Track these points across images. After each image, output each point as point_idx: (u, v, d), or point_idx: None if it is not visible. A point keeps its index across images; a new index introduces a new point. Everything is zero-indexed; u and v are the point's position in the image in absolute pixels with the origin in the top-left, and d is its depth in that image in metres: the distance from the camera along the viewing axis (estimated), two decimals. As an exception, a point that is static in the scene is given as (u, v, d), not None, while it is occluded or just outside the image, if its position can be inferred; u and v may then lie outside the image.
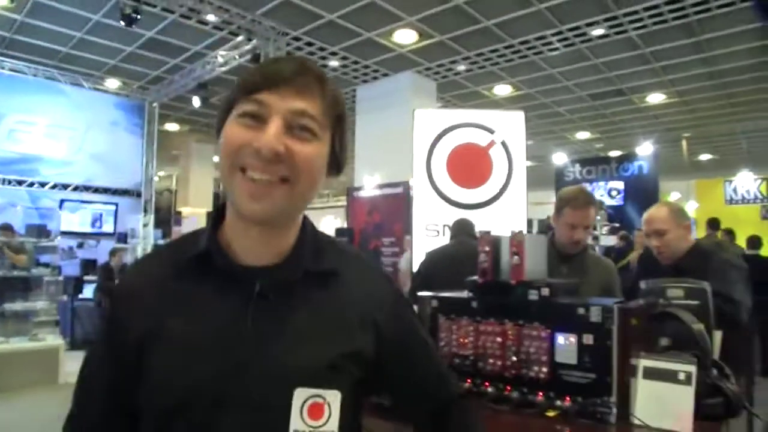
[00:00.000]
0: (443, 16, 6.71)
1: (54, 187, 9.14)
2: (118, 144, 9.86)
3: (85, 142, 9.43)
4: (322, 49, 7.86)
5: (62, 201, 9.17)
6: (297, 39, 7.53)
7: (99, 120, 9.59)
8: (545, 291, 1.39)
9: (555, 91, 9.66)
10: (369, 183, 8.63)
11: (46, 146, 9.04)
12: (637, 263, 4.65)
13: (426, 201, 5.14)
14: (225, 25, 7.04)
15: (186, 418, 0.74)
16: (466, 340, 1.50)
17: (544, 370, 1.34)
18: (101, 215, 9.65)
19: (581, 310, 1.30)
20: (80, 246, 9.31)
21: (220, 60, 7.91)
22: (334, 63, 8.36)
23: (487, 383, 1.45)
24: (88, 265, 8.97)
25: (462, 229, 4.01)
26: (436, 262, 3.76)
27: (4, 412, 4.77)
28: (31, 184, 8.89)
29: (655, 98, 9.99)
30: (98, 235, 9.59)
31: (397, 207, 8.12)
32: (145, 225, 10.00)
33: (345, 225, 9.57)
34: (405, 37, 7.42)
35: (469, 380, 1.48)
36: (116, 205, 9.83)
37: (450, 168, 5.11)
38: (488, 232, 1.54)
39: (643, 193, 10.24)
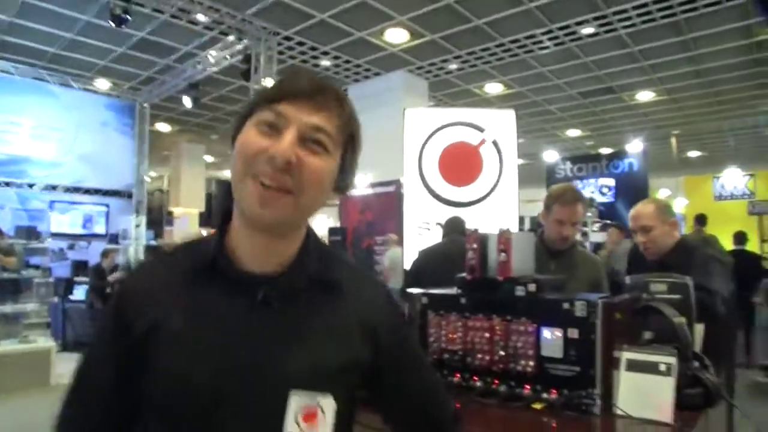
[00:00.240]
0: (434, 15, 6.74)
1: (44, 188, 9.10)
2: (108, 145, 9.83)
3: (74, 143, 9.40)
4: (313, 48, 7.86)
5: (52, 202, 9.13)
6: (288, 39, 7.53)
7: (89, 121, 9.56)
8: (532, 287, 1.42)
9: (546, 89, 9.72)
10: (361, 182, 8.65)
11: (35, 147, 9.00)
12: (627, 258, 4.70)
13: (417, 199, 5.17)
14: (216, 25, 7.04)
15: (185, 415, 0.76)
16: (454, 336, 1.53)
17: (531, 363, 1.37)
18: (92, 216, 9.63)
19: (566, 305, 1.34)
20: (71, 247, 9.28)
21: (211, 60, 7.90)
22: (325, 62, 8.37)
23: (475, 377, 1.48)
24: (79, 267, 8.93)
25: (454, 227, 4.04)
26: (429, 260, 3.79)
27: (-4, 414, 4.75)
28: (20, 186, 8.84)
29: (645, 96, 10.08)
30: (89, 237, 9.56)
31: (389, 206, 8.14)
32: (137, 226, 9.97)
33: (338, 224, 9.57)
34: (396, 36, 7.45)
35: (457, 375, 1.51)
36: (107, 206, 9.81)
37: (441, 166, 5.14)
38: (476, 230, 1.57)
39: (633, 190, 10.32)
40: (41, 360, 5.73)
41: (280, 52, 7.71)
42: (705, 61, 8.28)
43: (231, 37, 7.39)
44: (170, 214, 13.06)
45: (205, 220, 12.67)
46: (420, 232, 5.09)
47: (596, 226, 9.41)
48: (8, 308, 6.16)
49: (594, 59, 8.22)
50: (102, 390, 0.82)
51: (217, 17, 6.66)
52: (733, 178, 12.92)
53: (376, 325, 0.87)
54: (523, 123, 10.40)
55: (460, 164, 5.14)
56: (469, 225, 4.08)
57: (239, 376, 0.77)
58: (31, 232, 7.84)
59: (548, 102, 10.51)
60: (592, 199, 9.77)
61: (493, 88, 9.65)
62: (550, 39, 7.47)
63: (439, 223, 4.89)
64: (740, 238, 7.08)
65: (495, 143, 5.12)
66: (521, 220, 8.11)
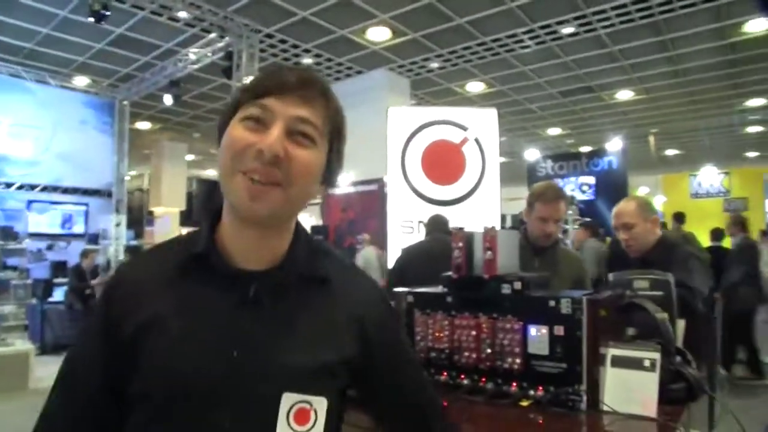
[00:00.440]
0: (417, 13, 6.75)
1: (20, 187, 8.92)
2: (87, 143, 9.66)
3: (52, 141, 9.21)
4: (295, 46, 7.83)
5: (30, 202, 8.96)
6: (270, 36, 7.48)
7: (67, 119, 9.38)
8: (518, 285, 1.43)
9: (527, 88, 9.80)
10: (343, 180, 8.62)
11: (11, 146, 8.81)
12: (606, 256, 4.78)
13: (400, 198, 5.18)
14: (197, 22, 6.96)
15: (180, 409, 0.76)
16: (441, 334, 1.54)
17: (518, 361, 1.39)
18: (71, 216, 9.45)
19: (552, 303, 1.35)
20: (50, 248, 9.10)
21: (192, 57, 7.82)
22: (307, 60, 8.34)
23: (462, 375, 1.49)
24: (58, 268, 8.77)
25: (437, 225, 4.06)
26: (412, 259, 3.80)
27: (-28, 418, 4.65)
28: (-4, 186, 8.67)
29: (624, 95, 10.22)
30: (68, 237, 9.38)
31: (371, 204, 8.15)
32: (118, 224, 9.83)
33: (320, 222, 9.55)
34: (378, 34, 7.45)
35: (444, 373, 1.52)
36: (87, 205, 9.63)
37: (424, 165, 5.16)
38: (461, 229, 1.58)
39: (613, 187, 10.46)
40: (19, 363, 5.63)
41: (262, 50, 7.65)
42: (682, 62, 8.42)
43: (212, 35, 7.32)
44: (151, 213, 12.91)
45: (186, 219, 12.54)
46: (403, 231, 5.10)
47: (577, 224, 9.52)
48: (-16, 310, 6.04)
49: (574, 58, 8.32)
50: (89, 389, 0.81)
51: (198, 14, 6.59)
52: (709, 176, 13.19)
53: (366, 321, 0.87)
54: (504, 121, 10.48)
55: (443, 162, 5.16)
56: (452, 223, 4.12)
57: (234, 376, 0.76)
58: (8, 233, 7.69)
59: (529, 101, 10.60)
60: (572, 197, 9.89)
61: (475, 86, 9.70)
62: (531, 38, 7.53)
63: (421, 221, 4.92)
64: (717, 234, 7.22)
65: (477, 142, 5.15)
66: (503, 218, 8.18)
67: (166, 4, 6.29)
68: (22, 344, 5.92)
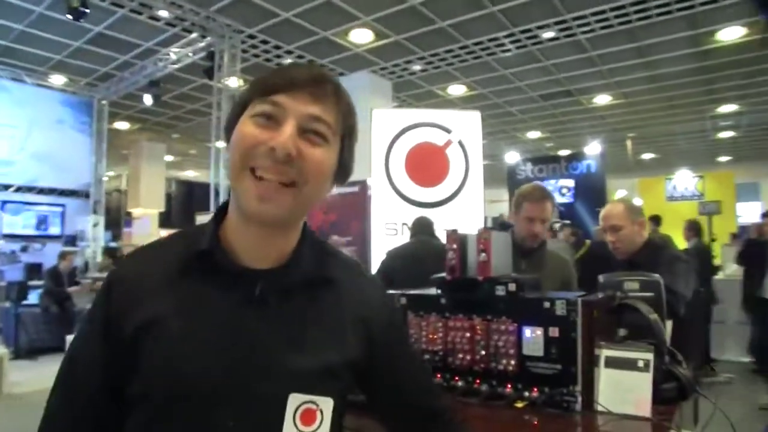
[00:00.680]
0: (399, 16, 6.77)
1: (-6, 187, 8.73)
2: (64, 143, 9.48)
3: (27, 140, 9.02)
4: (277, 47, 7.78)
5: (4, 202, 8.75)
6: (252, 37, 7.43)
7: (43, 118, 9.19)
8: (512, 286, 1.44)
9: (507, 92, 9.90)
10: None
11: (-16, 145, 8.62)
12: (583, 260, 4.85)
13: (385, 200, 5.18)
14: (178, 21, 6.88)
15: (182, 409, 0.75)
16: (435, 336, 1.54)
17: (512, 362, 1.40)
18: (47, 217, 9.26)
19: (547, 304, 1.36)
20: (24, 249, 8.89)
21: (173, 57, 7.73)
22: (289, 61, 8.30)
23: (456, 377, 1.49)
24: (34, 270, 8.58)
25: (422, 227, 4.07)
26: (397, 261, 3.81)
27: (-56, 425, 4.52)
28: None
29: (602, 99, 10.38)
30: (44, 238, 9.19)
31: (353, 206, 8.13)
32: (95, 224, 9.65)
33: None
34: (361, 36, 7.44)
35: (438, 375, 1.52)
36: (63, 206, 9.45)
37: (408, 167, 5.17)
38: (455, 230, 1.59)
39: (592, 190, 10.59)
40: (-8, 368, 5.50)
41: (244, 51, 7.60)
42: (658, 67, 8.59)
43: (194, 34, 7.25)
44: (129, 214, 12.70)
45: (165, 220, 12.38)
46: (387, 233, 5.10)
47: (556, 226, 9.63)
48: (-44, 314, 5.87)
49: (554, 63, 8.42)
50: (89, 389, 0.79)
51: (179, 13, 6.52)
52: (684, 180, 13.44)
53: (372, 322, 0.87)
54: (485, 124, 10.48)
55: (427, 165, 5.18)
56: (437, 225, 4.14)
57: (237, 375, 0.76)
58: (-21, 234, 7.49)
59: (510, 104, 10.70)
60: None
61: (456, 89, 9.76)
62: (512, 42, 7.60)
63: (405, 224, 4.93)
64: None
65: (461, 144, 5.19)
66: (484, 220, 8.23)
67: (146, 2, 6.21)
68: (-5, 348, 5.78)
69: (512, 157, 12.79)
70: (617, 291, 1.55)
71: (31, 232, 9.13)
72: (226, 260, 0.80)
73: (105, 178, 10.43)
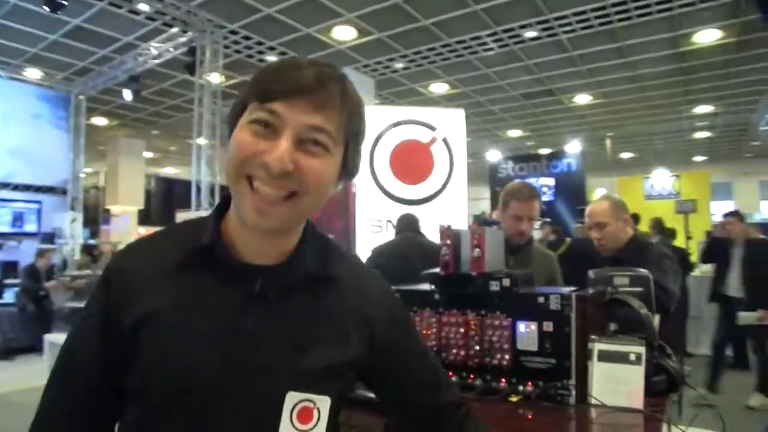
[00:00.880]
0: (382, 13, 6.77)
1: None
2: (40, 138, 9.28)
3: (2, 135, 8.82)
4: (259, 43, 7.73)
5: (-23, 200, 8.56)
6: (234, 32, 7.36)
7: (18, 112, 8.99)
8: (506, 282, 1.45)
9: (489, 90, 9.96)
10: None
11: (-44, 140, 8.41)
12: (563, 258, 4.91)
13: (369, 197, 5.18)
14: (158, 15, 6.78)
15: (181, 404, 0.74)
16: (429, 332, 1.54)
17: (507, 357, 1.40)
18: (23, 214, 9.07)
19: (541, 299, 1.38)
20: (-1, 247, 8.72)
21: (154, 52, 7.62)
22: (271, 58, 8.24)
23: (450, 372, 1.49)
24: (9, 268, 8.40)
25: (407, 224, 4.08)
26: (383, 257, 3.81)
27: None
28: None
29: (582, 99, 10.51)
30: (20, 235, 8.99)
31: (336, 204, 8.11)
32: (73, 220, 9.47)
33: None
34: (344, 33, 7.43)
35: (432, 370, 1.52)
36: (40, 203, 9.25)
37: (393, 164, 5.17)
38: (449, 226, 1.59)
39: (572, 189, 10.74)
40: (-33, 368, 5.37)
41: (226, 46, 7.53)
42: (637, 68, 8.73)
43: (175, 29, 7.15)
44: (107, 212, 12.49)
45: (144, 218, 12.20)
46: (372, 230, 5.10)
47: (537, 224, 9.71)
48: (-72, 313, 5.71)
49: (536, 62, 8.50)
50: (87, 383, 0.78)
51: (160, 7, 6.43)
52: (661, 179, 13.68)
53: (374, 319, 0.87)
54: (467, 123, 10.60)
55: (412, 162, 5.19)
56: (422, 223, 4.15)
57: (237, 372, 0.75)
58: (-47, 231, 7.30)
59: (491, 102, 10.77)
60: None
61: (439, 87, 9.80)
62: (494, 41, 7.65)
63: (390, 221, 4.93)
64: (670, 234, 7.51)
65: (446, 142, 5.21)
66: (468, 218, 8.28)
67: (126, -5, 6.11)
68: (-31, 348, 5.65)
69: (494, 155, 12.89)
70: (608, 286, 1.57)
71: (7, 229, 8.93)
72: (227, 255, 0.79)
73: (82, 175, 10.23)
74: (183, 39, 7.17)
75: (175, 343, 0.75)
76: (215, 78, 7.42)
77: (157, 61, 7.78)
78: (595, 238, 2.53)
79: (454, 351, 1.49)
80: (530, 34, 7.39)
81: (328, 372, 0.80)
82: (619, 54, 8.12)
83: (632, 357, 1.31)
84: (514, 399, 1.37)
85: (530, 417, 1.30)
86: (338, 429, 0.87)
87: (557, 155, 11.67)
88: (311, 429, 0.75)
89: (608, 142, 13.36)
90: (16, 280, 7.95)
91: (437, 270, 1.59)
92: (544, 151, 13.21)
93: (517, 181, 2.74)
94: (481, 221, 9.48)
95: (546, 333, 1.36)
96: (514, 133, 13.33)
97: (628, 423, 1.24)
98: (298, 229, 0.84)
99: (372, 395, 0.99)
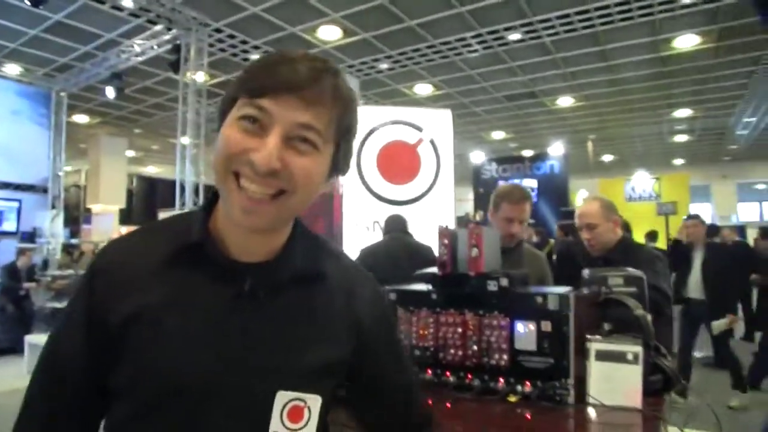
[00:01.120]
0: (368, 14, 6.77)
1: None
2: (20, 135, 9.08)
3: (-20, 132, 8.62)
4: (244, 42, 7.67)
5: (-46, 198, 8.35)
6: (219, 31, 7.30)
7: (-4, 108, 8.80)
8: (504, 281, 1.46)
9: (473, 92, 10.03)
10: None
11: (-68, 137, 8.19)
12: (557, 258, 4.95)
13: (356, 197, 5.16)
14: (142, 12, 6.68)
15: (172, 404, 0.73)
16: (426, 332, 1.54)
17: (505, 357, 1.41)
18: (2, 212, 8.86)
19: (539, 299, 1.39)
20: (-24, 246, 8.49)
21: (137, 49, 7.50)
22: (256, 57, 8.18)
23: (447, 372, 1.50)
24: (-13, 267, 8.19)
25: (395, 224, 4.08)
26: (370, 258, 3.80)
27: None
28: None
29: (565, 101, 10.63)
30: (-2, 234, 8.79)
31: (319, 204, 8.08)
32: (54, 218, 9.28)
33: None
34: (329, 33, 7.42)
35: (429, 371, 1.52)
36: (19, 201, 9.05)
37: (380, 165, 5.17)
38: (447, 226, 1.60)
39: (555, 190, 10.86)
40: (-57, 370, 5.24)
41: (210, 45, 7.46)
42: (619, 71, 8.87)
43: (159, 26, 7.06)
44: (88, 211, 12.27)
45: (126, 217, 12.03)
46: (359, 231, 5.09)
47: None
48: None
49: (519, 64, 8.58)
50: (70, 384, 0.76)
51: (144, 4, 6.34)
52: (642, 181, 13.90)
53: (362, 317, 0.86)
54: (452, 124, 10.68)
55: (399, 163, 5.19)
56: (409, 223, 4.15)
57: (229, 372, 0.74)
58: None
59: (475, 104, 10.84)
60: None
61: (423, 89, 9.83)
62: (479, 42, 7.71)
63: (377, 222, 4.93)
64: (652, 236, 7.65)
65: (432, 143, 5.22)
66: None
67: (109, -9, 6.01)
68: (-55, 350, 5.51)
69: (477, 156, 12.96)
70: (602, 286, 1.59)
71: (-16, 228, 8.74)
72: (216, 252, 0.78)
73: (62, 173, 10.04)
74: (167, 36, 7.08)
75: (166, 343, 0.74)
76: (200, 76, 7.34)
77: (140, 59, 7.67)
78: (586, 239, 2.55)
79: (452, 351, 1.49)
80: (514, 36, 7.46)
81: (319, 371, 0.79)
82: (601, 57, 8.23)
83: (630, 356, 1.32)
84: (512, 399, 1.38)
85: (529, 417, 1.30)
86: (328, 428, 0.86)
87: (540, 157, 11.79)
88: (302, 428, 0.75)
89: (590, 144, 13.54)
90: (-4, 281, 7.78)
91: (434, 269, 1.60)
92: (527, 152, 13.33)
93: (507, 183, 2.75)
94: (465, 222, 9.52)
95: (544, 333, 1.37)
96: (498, 134, 13.43)
97: (627, 422, 1.26)
98: (288, 227, 0.83)
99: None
